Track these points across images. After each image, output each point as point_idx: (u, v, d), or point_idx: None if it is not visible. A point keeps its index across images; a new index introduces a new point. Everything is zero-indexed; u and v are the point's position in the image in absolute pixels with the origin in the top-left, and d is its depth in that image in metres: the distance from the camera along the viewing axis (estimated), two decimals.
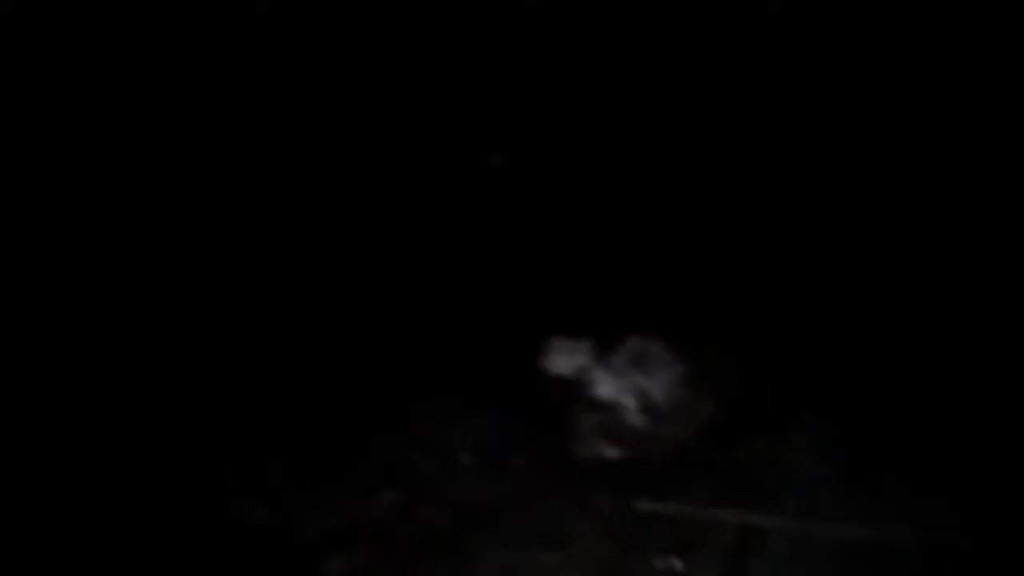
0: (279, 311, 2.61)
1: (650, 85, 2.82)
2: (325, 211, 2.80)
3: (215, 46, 2.67)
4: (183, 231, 2.69)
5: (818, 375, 2.36)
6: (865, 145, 2.70)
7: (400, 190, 2.85)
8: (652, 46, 2.78)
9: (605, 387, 2.35)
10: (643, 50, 2.79)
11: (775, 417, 2.26)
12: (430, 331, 2.60)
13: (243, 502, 2.13)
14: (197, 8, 2.64)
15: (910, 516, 2.02)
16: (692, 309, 2.51)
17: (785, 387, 2.34)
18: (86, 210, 2.61)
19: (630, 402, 2.32)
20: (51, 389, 2.32)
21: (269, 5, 2.70)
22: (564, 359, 2.43)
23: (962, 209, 2.57)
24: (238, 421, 2.35)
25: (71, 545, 2.00)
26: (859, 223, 2.64)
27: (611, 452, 2.25)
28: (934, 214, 2.60)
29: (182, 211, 2.70)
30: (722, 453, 2.20)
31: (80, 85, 2.58)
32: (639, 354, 2.41)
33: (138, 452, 2.22)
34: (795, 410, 2.28)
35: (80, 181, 2.62)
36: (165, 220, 2.68)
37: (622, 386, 2.35)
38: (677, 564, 2.00)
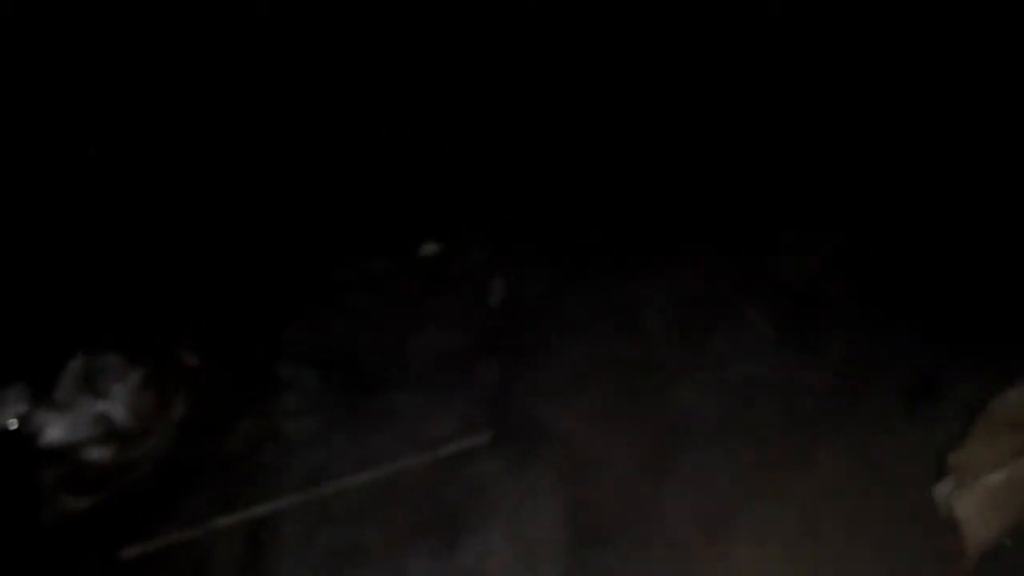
0: None
1: None
2: None
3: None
4: None
5: (294, 328, 2.19)
6: None
7: None
8: None
9: (54, 430, 1.96)
10: None
11: (255, 388, 2.06)
12: None
13: None
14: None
15: (412, 441, 1.98)
16: (132, 312, 2.16)
17: (259, 349, 2.14)
18: None
19: (89, 435, 1.96)
20: None
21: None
22: None
23: None
24: None
25: None
26: None
27: (81, 503, 1.89)
28: None
29: None
30: (205, 452, 1.96)
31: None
32: (88, 375, 2.04)
33: None
34: (270, 369, 2.09)
35: None
36: None
37: (75, 421, 1.97)
38: None
